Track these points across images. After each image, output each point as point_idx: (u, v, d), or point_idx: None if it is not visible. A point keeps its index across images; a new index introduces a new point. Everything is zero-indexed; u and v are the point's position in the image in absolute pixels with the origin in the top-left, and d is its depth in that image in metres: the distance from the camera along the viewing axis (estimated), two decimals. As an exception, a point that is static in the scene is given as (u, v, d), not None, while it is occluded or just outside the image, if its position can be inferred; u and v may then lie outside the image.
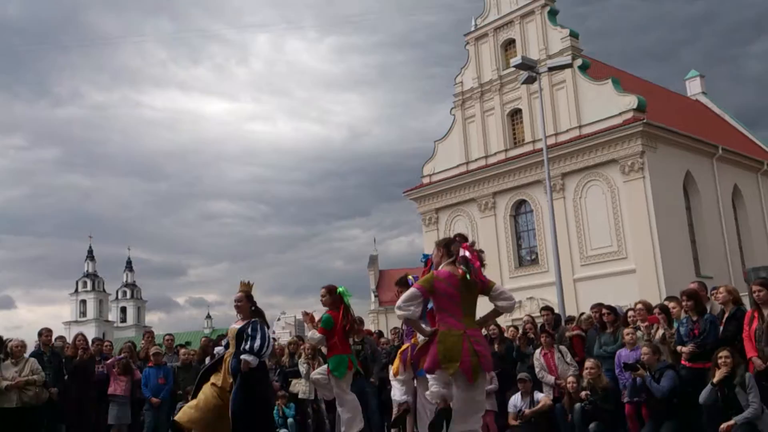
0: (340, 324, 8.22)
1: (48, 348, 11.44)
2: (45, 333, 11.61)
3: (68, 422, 11.40)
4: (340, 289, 8.42)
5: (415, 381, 7.49)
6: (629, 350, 9.54)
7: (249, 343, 7.84)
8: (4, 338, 11.52)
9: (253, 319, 8.03)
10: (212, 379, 8.00)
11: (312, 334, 8.44)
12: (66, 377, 11.48)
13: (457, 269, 5.97)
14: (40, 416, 10.69)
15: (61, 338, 12.67)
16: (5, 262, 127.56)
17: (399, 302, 6.03)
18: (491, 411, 10.79)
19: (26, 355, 10.89)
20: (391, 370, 7.91)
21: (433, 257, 6.45)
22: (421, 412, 7.44)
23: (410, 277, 7.57)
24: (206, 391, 7.96)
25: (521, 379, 10.61)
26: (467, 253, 6.03)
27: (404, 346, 7.56)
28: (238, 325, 8.08)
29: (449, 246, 6.25)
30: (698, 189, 33.52)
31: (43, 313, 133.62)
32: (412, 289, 6.05)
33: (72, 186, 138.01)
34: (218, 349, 8.90)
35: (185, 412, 7.93)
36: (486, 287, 6.09)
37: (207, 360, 11.16)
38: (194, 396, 8.11)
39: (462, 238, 6.34)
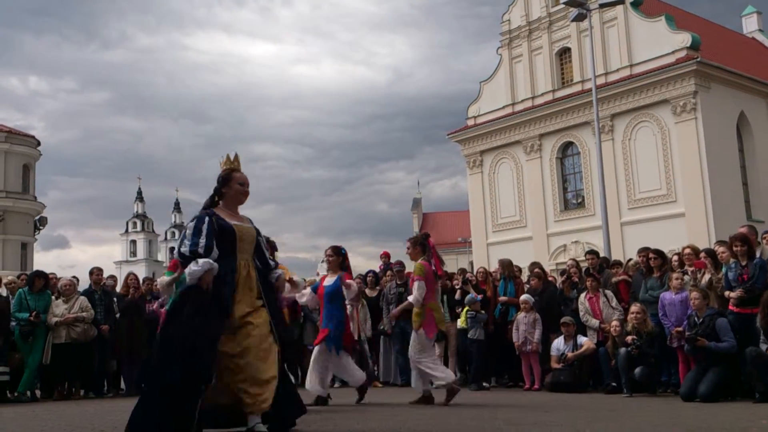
0: None
1: (99, 287, 11.73)
2: (96, 272, 11.90)
3: (120, 358, 11.78)
4: None
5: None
6: (674, 294, 9.40)
7: (266, 254, 5.49)
8: (58, 276, 11.91)
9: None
10: (238, 316, 4.96)
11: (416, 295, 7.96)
12: (117, 315, 11.81)
13: (430, 265, 8.05)
14: (90, 352, 11.06)
15: (113, 277, 12.96)
16: (60, 202, 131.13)
17: (419, 298, 7.86)
18: (536, 353, 10.84)
19: (77, 293, 11.23)
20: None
21: (408, 251, 8.22)
22: None
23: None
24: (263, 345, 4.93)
25: (564, 322, 10.58)
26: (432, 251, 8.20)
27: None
28: (247, 224, 5.35)
29: (423, 244, 8.15)
30: (752, 130, 32.59)
31: (95, 253, 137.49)
32: (422, 283, 7.87)
33: (122, 128, 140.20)
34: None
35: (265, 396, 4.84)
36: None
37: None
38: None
39: (427, 236, 8.35)
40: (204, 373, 4.74)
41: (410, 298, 8.00)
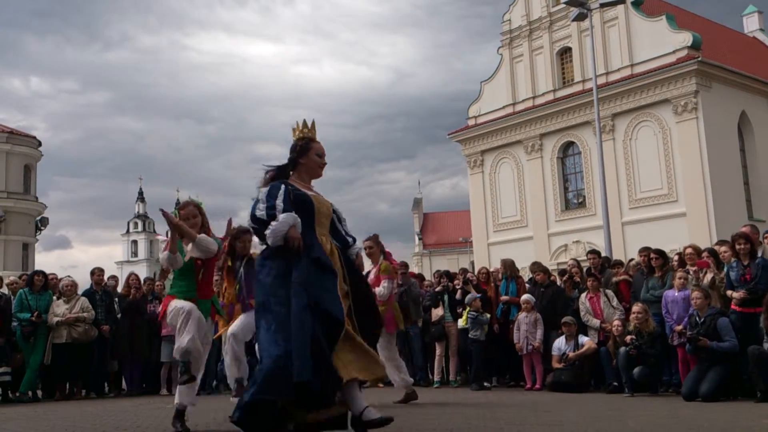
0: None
1: (100, 287, 11.74)
2: (97, 272, 11.90)
3: (121, 358, 11.78)
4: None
5: None
6: (677, 292, 9.39)
7: (342, 229, 5.06)
8: (59, 277, 11.89)
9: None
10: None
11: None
12: (119, 315, 11.81)
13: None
14: (90, 352, 11.07)
15: (114, 278, 12.97)
16: (61, 203, 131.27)
17: (387, 293, 8.20)
18: (538, 353, 10.83)
19: (78, 293, 11.24)
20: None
21: (370, 251, 8.34)
22: None
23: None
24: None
25: (566, 322, 10.58)
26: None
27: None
28: (310, 192, 4.89)
29: (381, 244, 8.48)
30: (753, 130, 32.59)
31: (96, 253, 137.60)
32: (391, 283, 8.35)
33: (123, 129, 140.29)
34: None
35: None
36: None
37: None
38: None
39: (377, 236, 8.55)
40: (338, 327, 4.32)
41: (377, 290, 7.93)
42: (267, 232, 4.44)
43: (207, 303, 5.97)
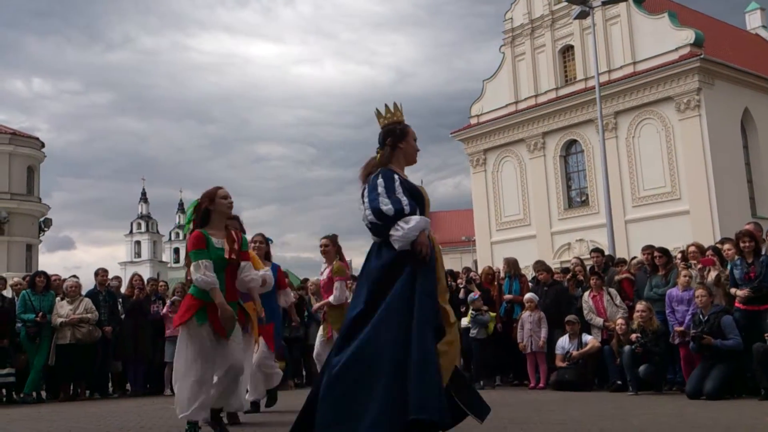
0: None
1: (104, 287, 11.74)
2: (101, 273, 11.90)
3: (124, 359, 11.79)
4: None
5: None
6: (681, 291, 9.37)
7: None
8: (63, 278, 11.89)
9: None
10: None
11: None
12: (122, 316, 11.82)
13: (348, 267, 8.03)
14: (94, 353, 11.07)
15: (117, 278, 12.98)
16: (65, 204, 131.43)
17: (342, 298, 7.34)
18: (541, 352, 10.81)
19: (82, 294, 11.24)
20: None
21: (325, 250, 7.68)
22: None
23: None
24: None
25: (569, 321, 10.56)
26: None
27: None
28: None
29: (338, 245, 7.74)
30: (756, 127, 32.51)
31: (100, 254, 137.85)
32: (344, 284, 7.52)
33: (126, 130, 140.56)
34: None
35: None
36: None
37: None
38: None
39: (336, 236, 7.99)
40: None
41: (331, 298, 7.48)
42: (396, 234, 4.07)
43: (234, 305, 5.54)
